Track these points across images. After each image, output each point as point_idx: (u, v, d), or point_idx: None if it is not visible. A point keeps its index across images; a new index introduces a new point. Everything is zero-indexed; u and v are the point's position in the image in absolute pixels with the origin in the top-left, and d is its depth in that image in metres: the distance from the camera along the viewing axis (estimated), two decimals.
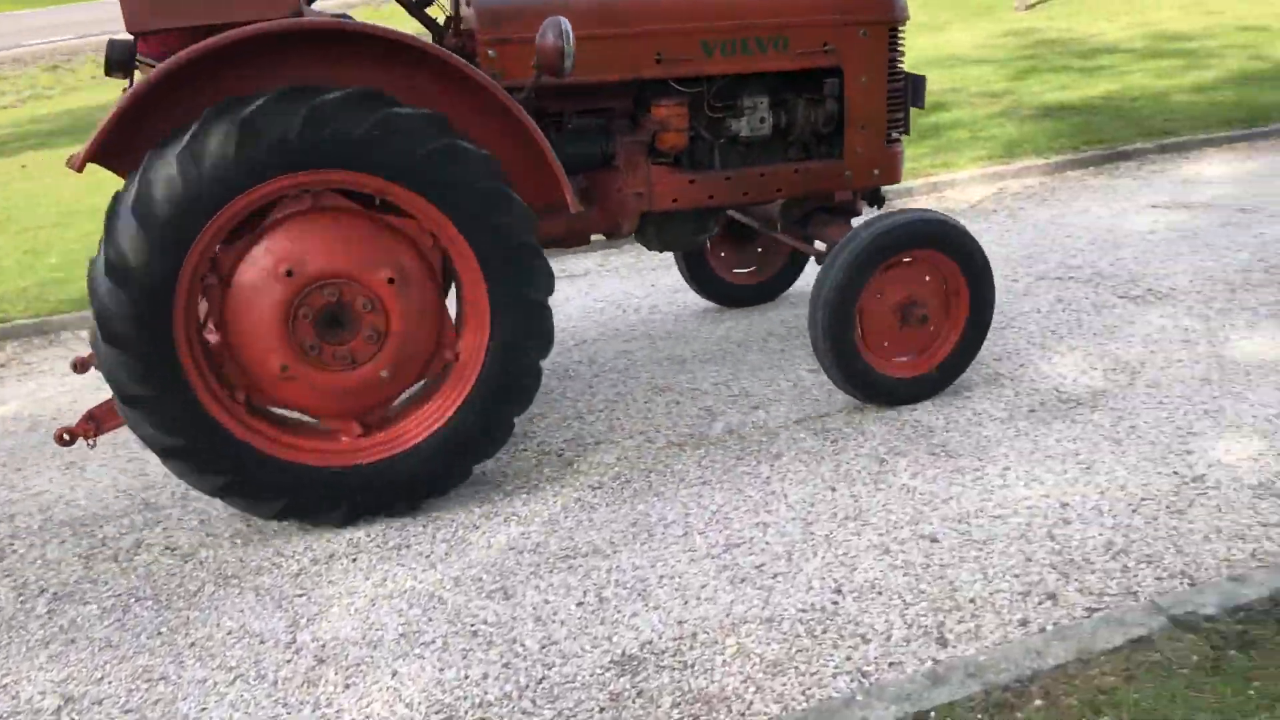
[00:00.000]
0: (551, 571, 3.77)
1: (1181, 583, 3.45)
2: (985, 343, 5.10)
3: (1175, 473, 4.12)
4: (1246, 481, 4.02)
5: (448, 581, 3.76)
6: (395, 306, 3.83)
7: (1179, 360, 5.12)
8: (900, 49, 4.77)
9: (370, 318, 3.82)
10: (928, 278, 4.64)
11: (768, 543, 3.84)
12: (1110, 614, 3.26)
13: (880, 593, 3.51)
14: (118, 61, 3.91)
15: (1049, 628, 3.26)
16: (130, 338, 3.50)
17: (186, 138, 3.43)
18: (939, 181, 8.50)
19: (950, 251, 4.59)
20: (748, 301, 6.17)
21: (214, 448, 3.70)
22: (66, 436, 3.88)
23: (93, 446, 4.09)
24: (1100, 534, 3.75)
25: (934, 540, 3.78)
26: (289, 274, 3.70)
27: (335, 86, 3.55)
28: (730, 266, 6.12)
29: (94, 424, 3.92)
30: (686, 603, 3.53)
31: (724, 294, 6.13)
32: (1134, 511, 3.87)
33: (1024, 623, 3.31)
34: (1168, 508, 3.89)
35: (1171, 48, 13.74)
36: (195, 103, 3.51)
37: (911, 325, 4.66)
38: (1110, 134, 9.52)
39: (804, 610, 3.45)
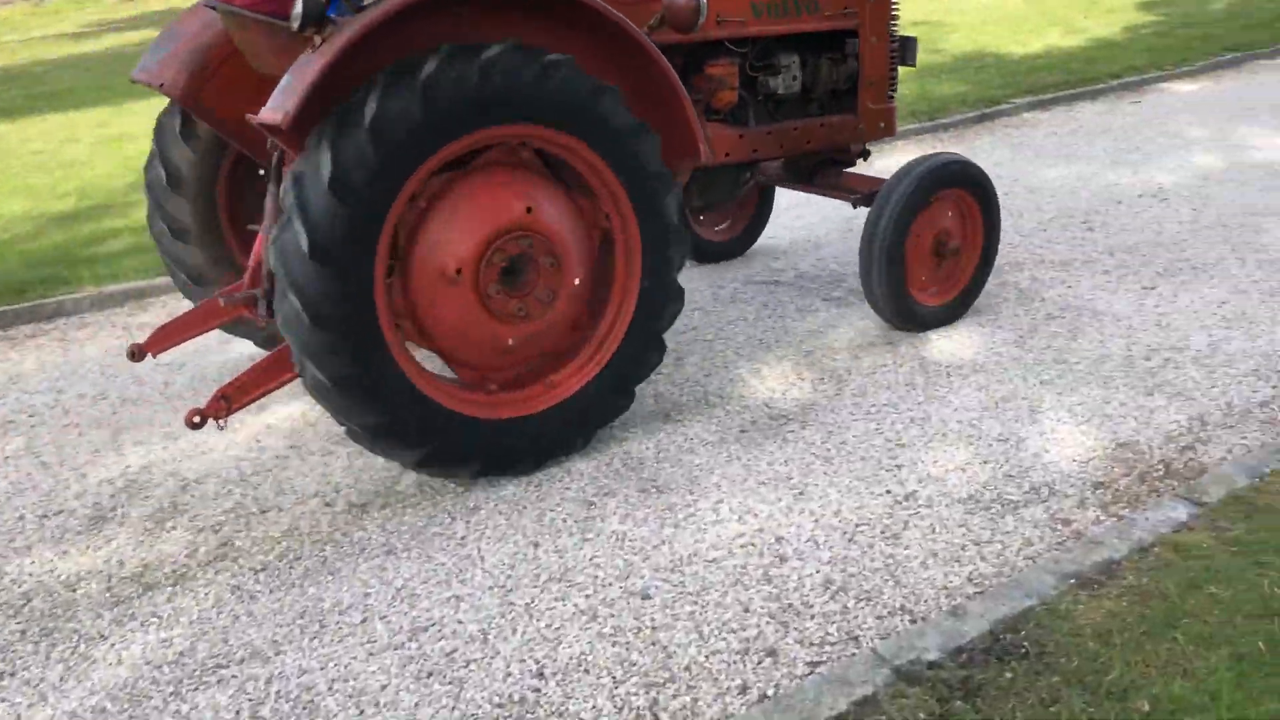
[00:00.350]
0: (196, 689, 3.12)
1: (902, 620, 3.22)
2: (695, 358, 4.90)
3: (888, 491, 3.93)
4: (956, 495, 3.89)
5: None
6: (571, 268, 3.99)
7: (884, 365, 5.01)
8: (896, 13, 5.27)
9: (548, 278, 3.96)
10: (951, 214, 5.19)
11: (460, 622, 3.34)
12: (833, 669, 2.98)
13: (587, 670, 3.08)
14: (313, 15, 3.48)
15: (770, 693, 2.93)
16: (338, 317, 3.48)
17: (373, 105, 3.39)
18: None
19: (971, 189, 5.19)
20: (722, 257, 6.52)
21: (421, 419, 3.76)
22: (197, 419, 3.74)
23: (222, 428, 3.97)
24: (817, 570, 3.49)
25: (646, 598, 3.39)
26: (522, 208, 3.84)
27: (489, 42, 3.58)
28: (712, 224, 6.49)
29: (225, 403, 3.84)
30: (363, 712, 2.97)
31: (703, 251, 6.45)
32: (850, 540, 3.64)
33: (744, 689, 2.97)
34: (883, 532, 3.68)
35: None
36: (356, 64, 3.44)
37: (944, 258, 5.24)
38: None
39: (500, 705, 2.97)
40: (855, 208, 5.47)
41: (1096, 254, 6.37)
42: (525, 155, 3.95)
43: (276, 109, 3.40)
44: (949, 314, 5.36)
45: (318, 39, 3.43)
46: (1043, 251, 6.47)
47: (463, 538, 3.81)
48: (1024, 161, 8.37)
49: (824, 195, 5.64)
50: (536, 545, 3.73)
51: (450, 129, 3.57)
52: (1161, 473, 4.00)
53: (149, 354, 4.39)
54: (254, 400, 3.94)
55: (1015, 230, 6.88)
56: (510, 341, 3.95)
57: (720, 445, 4.35)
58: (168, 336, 4.48)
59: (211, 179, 4.80)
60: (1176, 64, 11.89)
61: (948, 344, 5.20)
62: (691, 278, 6.33)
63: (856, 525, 3.74)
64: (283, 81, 3.44)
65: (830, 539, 3.66)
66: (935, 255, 5.21)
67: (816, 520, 3.78)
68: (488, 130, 3.66)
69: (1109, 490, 3.90)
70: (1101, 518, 3.73)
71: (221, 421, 3.85)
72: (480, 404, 4.00)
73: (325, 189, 3.38)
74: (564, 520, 3.87)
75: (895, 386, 4.79)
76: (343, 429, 3.83)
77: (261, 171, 4.72)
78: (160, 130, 4.76)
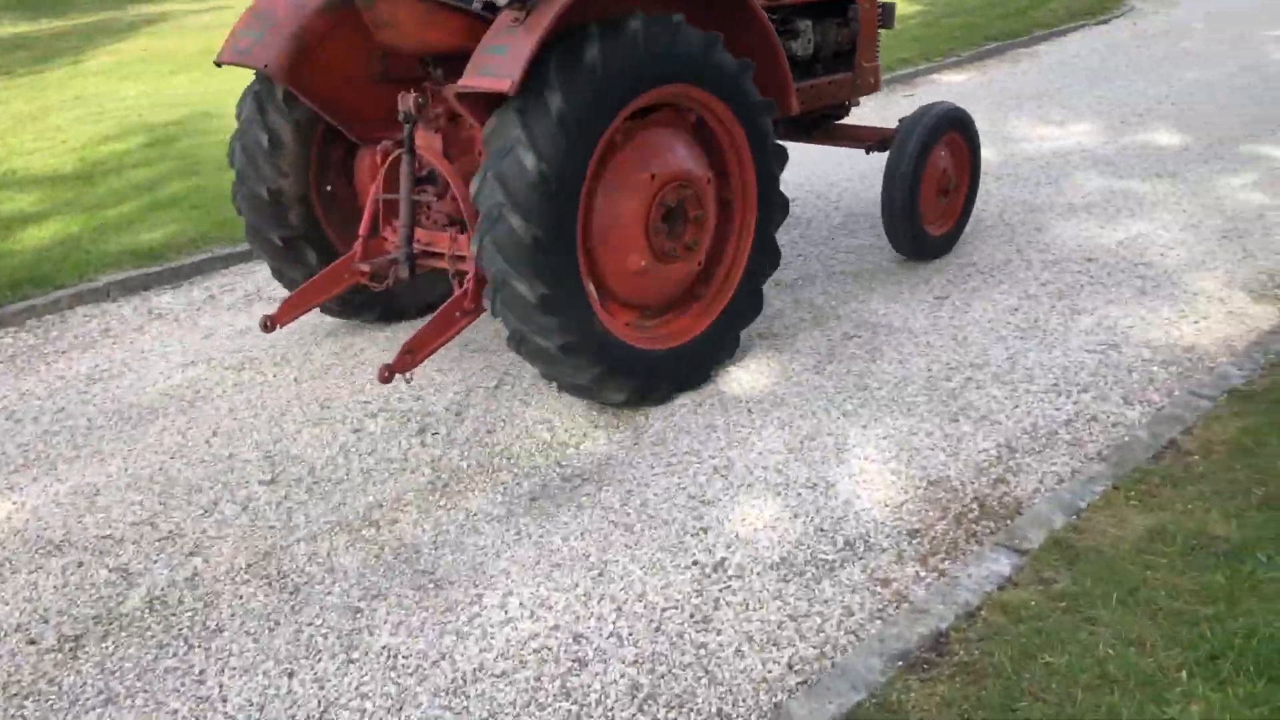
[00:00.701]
0: None
1: None
2: (477, 410, 4.49)
3: (695, 562, 3.54)
4: (768, 559, 3.54)
5: None
6: (708, 225, 4.58)
7: (682, 405, 4.64)
8: None
9: (694, 229, 4.52)
10: (944, 153, 5.90)
11: None
12: None
13: None
14: None
15: None
16: (551, 240, 3.91)
17: (594, 51, 3.88)
18: None
19: (964, 132, 6.00)
20: None
21: (599, 342, 4.19)
22: (388, 374, 3.98)
23: (409, 381, 4.32)
24: (622, 674, 3.05)
25: None
26: (652, 176, 4.30)
27: (648, 13, 4.06)
28: None
29: (410, 357, 4.11)
30: None
31: None
32: (657, 630, 3.23)
33: None
34: (692, 615, 3.29)
35: None
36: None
37: (946, 194, 6.00)
38: None
39: None
40: (869, 154, 6.22)
41: (886, 263, 6.21)
42: (689, 120, 4.54)
43: (501, 77, 3.78)
44: (948, 242, 6.18)
45: (521, 13, 3.82)
46: (834, 262, 6.26)
47: (201, 672, 3.18)
48: (812, 163, 8.21)
49: (829, 146, 6.28)
50: (291, 674, 3.15)
51: (646, 80, 4.13)
52: (976, 512, 3.77)
53: (279, 324, 4.68)
54: (434, 352, 4.30)
55: (805, 240, 6.66)
56: (661, 276, 4.50)
57: (508, 520, 3.86)
58: (295, 306, 4.77)
59: (306, 150, 5.00)
60: (945, 55, 12.12)
61: (746, 375, 4.87)
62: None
63: (663, 610, 3.33)
64: (486, 54, 3.85)
65: (635, 630, 3.23)
66: (939, 191, 5.96)
67: (619, 608, 3.34)
68: (662, 88, 4.22)
69: (925, 539, 3.63)
70: (921, 573, 3.45)
71: (409, 375, 4.20)
72: (637, 335, 4.52)
73: (555, 122, 3.85)
74: (325, 637, 3.30)
75: (695, 430, 4.42)
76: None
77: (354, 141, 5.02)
78: (258, 101, 4.94)
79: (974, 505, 3.82)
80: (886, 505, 3.83)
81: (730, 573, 3.49)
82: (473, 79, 3.89)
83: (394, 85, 4.63)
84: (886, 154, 5.87)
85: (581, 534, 3.75)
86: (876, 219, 6.89)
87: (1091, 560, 3.33)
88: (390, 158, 4.64)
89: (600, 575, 3.51)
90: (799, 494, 3.93)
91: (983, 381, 4.72)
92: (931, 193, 5.89)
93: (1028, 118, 9.39)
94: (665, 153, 4.39)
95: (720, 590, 3.40)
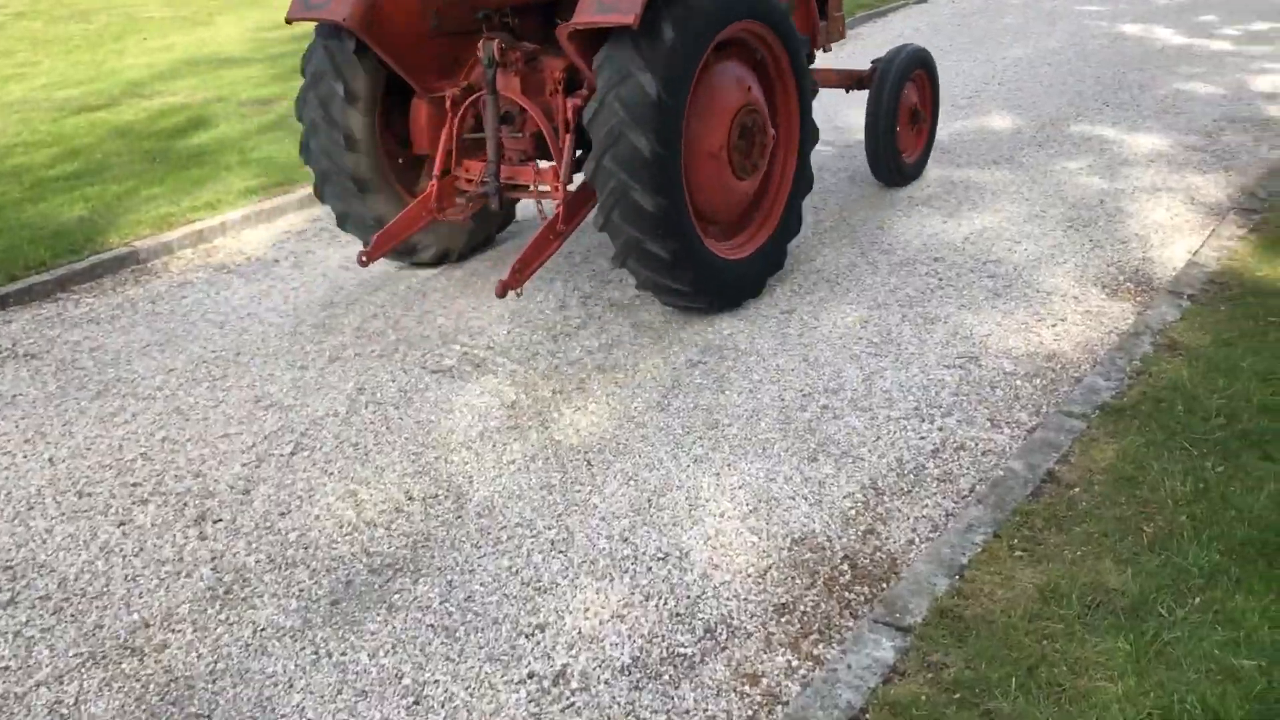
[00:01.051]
0: None
1: None
2: (268, 488, 3.82)
3: (531, 675, 2.98)
4: (616, 661, 3.00)
5: None
6: (768, 149, 5.18)
7: (512, 461, 4.06)
8: None
9: (759, 150, 5.09)
10: (912, 89, 6.57)
11: None
12: None
13: None
14: None
15: None
16: (667, 156, 4.44)
17: (686, 2, 4.43)
18: (206, 229, 6.77)
19: (927, 69, 6.72)
20: None
21: (693, 254, 4.72)
22: (503, 290, 4.57)
23: (519, 295, 5.04)
24: None
25: None
26: (733, 102, 4.86)
27: None
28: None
29: (519, 275, 4.70)
30: None
31: None
32: None
33: None
34: None
35: None
36: None
37: (915, 125, 6.72)
38: None
39: None
40: (848, 93, 6.93)
41: None
42: (758, 57, 5.10)
43: (624, 12, 4.23)
44: (917, 169, 6.93)
45: None
46: None
47: None
48: None
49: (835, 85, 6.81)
50: None
51: (730, 15, 4.67)
52: (848, 575, 3.32)
53: (372, 259, 5.15)
54: (538, 269, 4.88)
55: None
56: (736, 193, 5.04)
57: (303, 634, 3.21)
58: (387, 240, 5.22)
59: (373, 102, 5.30)
60: None
61: (584, 418, 4.32)
62: (271, 353, 5.07)
63: None
64: None
65: None
66: (910, 122, 6.71)
67: None
68: (739, 24, 4.78)
69: (795, 615, 3.16)
70: (794, 663, 2.97)
71: (518, 291, 4.75)
72: (718, 247, 4.99)
73: (667, 50, 4.34)
74: None
75: (528, 492, 3.84)
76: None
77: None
78: (330, 55, 5.19)
79: (845, 566, 3.37)
80: (749, 574, 3.34)
81: (573, 684, 2.93)
82: (591, 16, 4.36)
83: (447, 39, 5.22)
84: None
85: (393, 646, 3.13)
86: None
87: (983, 635, 2.91)
88: (468, 101, 5.19)
89: (416, 704, 2.90)
90: (649, 568, 3.40)
91: (839, 409, 4.29)
92: (905, 124, 6.67)
93: (860, 105, 9.11)
94: (738, 82, 4.97)
95: (562, 710, 2.84)
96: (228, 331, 5.36)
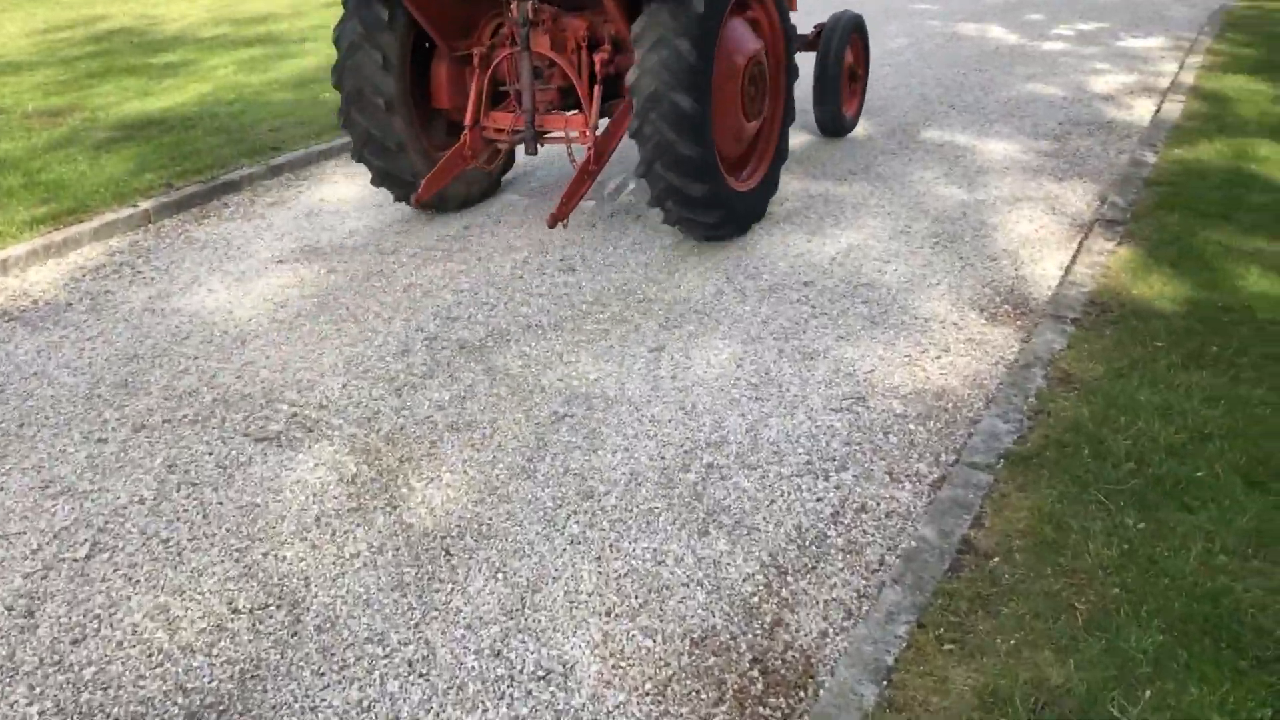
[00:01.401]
0: None
1: None
2: (66, 606, 3.01)
3: None
4: None
5: None
6: (767, 87, 5.89)
7: (356, 554, 3.47)
8: None
9: (761, 96, 5.80)
10: (849, 50, 7.31)
11: None
12: None
13: None
14: None
15: None
16: (702, 109, 5.09)
17: None
18: None
19: (861, 31, 7.51)
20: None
21: (718, 190, 5.39)
22: (552, 221, 5.45)
23: (565, 226, 5.89)
24: None
25: None
26: (743, 57, 5.52)
27: None
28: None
29: (564, 208, 5.47)
30: None
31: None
32: None
33: None
34: None
35: (259, 32, 12.26)
36: None
37: (853, 82, 7.53)
38: (209, 156, 7.63)
39: None
40: (798, 52, 6.73)
41: (586, 304, 5.27)
42: (754, 15, 5.79)
43: None
44: (854, 121, 7.71)
45: None
46: (527, 311, 5.24)
47: None
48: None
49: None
50: None
51: None
52: (760, 685, 2.89)
53: (422, 200, 5.95)
54: (579, 201, 5.64)
55: (489, 282, 5.59)
56: (746, 133, 5.69)
57: None
58: (434, 183, 5.94)
59: (404, 65, 5.80)
60: None
61: (439, 492, 3.77)
62: (63, 423, 4.30)
63: None
64: None
65: None
66: (850, 79, 7.49)
67: None
68: None
69: None
70: None
71: (565, 222, 5.67)
72: (734, 183, 5.63)
73: (697, 17, 5.05)
74: None
75: (377, 595, 3.27)
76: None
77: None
78: (364, 24, 5.68)
79: (755, 673, 2.93)
80: (646, 691, 2.87)
81: None
82: None
83: (467, 4, 5.78)
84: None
85: None
86: (564, 247, 5.93)
87: None
88: (501, 57, 5.76)
89: None
90: (529, 691, 2.88)
91: (726, 468, 3.86)
92: (846, 82, 7.44)
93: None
94: (746, 39, 5.60)
95: None
96: (8, 397, 4.57)
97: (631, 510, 3.65)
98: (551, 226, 5.50)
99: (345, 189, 7.24)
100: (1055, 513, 3.41)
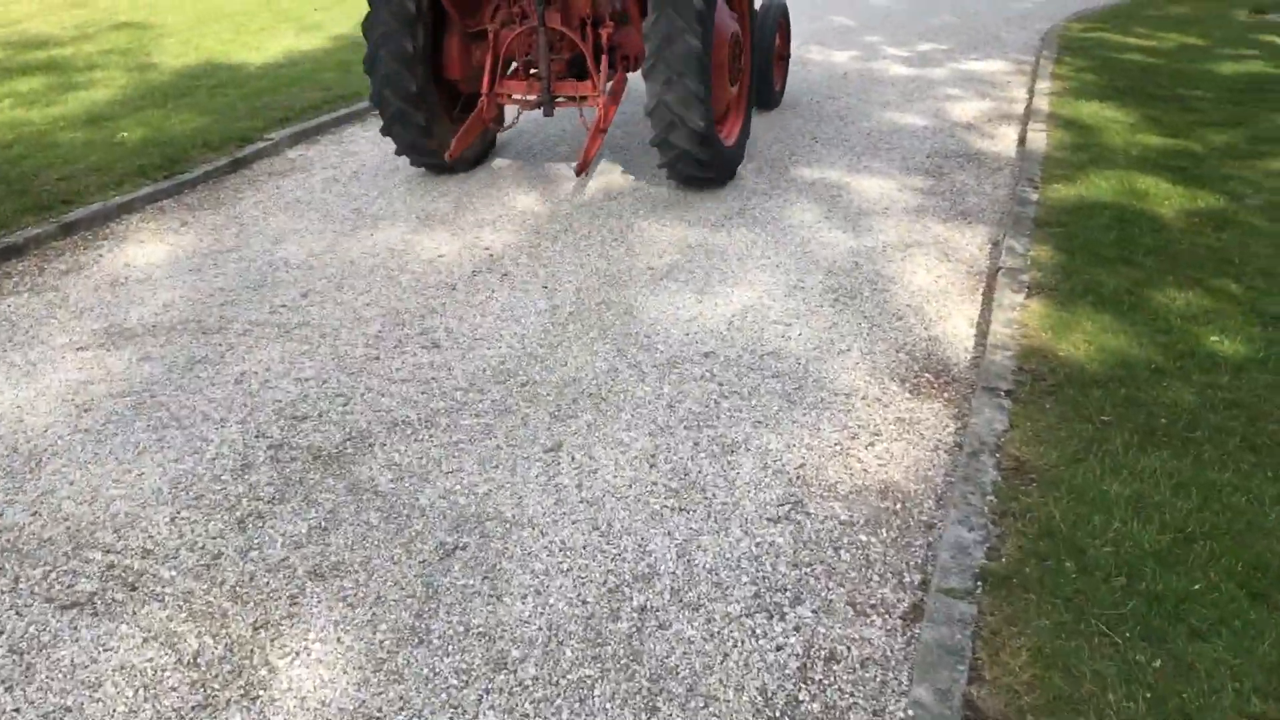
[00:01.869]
0: None
1: None
2: None
3: None
4: None
5: None
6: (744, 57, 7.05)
7: None
8: None
9: (740, 66, 6.91)
10: (776, 34, 8.41)
11: None
12: None
13: None
14: None
15: None
16: (705, 94, 6.05)
17: None
18: None
19: (786, 17, 8.67)
20: None
21: (707, 136, 6.27)
22: (579, 171, 6.71)
23: (589, 177, 7.04)
24: None
25: None
26: (727, 38, 6.55)
27: None
28: None
29: (583, 161, 6.66)
30: None
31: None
32: None
33: None
34: None
35: (39, 59, 10.88)
36: None
37: (782, 61, 8.73)
38: None
39: None
40: None
41: (460, 392, 4.54)
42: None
43: None
44: (780, 94, 8.78)
45: None
46: (389, 403, 4.47)
47: None
48: (314, 236, 6.27)
49: None
50: None
51: None
52: None
53: (454, 157, 6.92)
54: (594, 154, 6.72)
55: (339, 366, 4.78)
56: (728, 95, 6.79)
57: None
58: (460, 144, 6.92)
59: (427, 46, 6.62)
60: None
61: (308, 675, 3.01)
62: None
63: None
64: None
65: None
66: (779, 59, 8.52)
67: None
68: None
69: None
70: None
71: (589, 173, 7.07)
72: (721, 135, 6.73)
73: (697, 13, 5.94)
74: None
75: None
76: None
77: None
78: (395, 14, 6.44)
79: None
80: None
81: None
82: None
83: None
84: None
85: None
86: (420, 317, 5.17)
87: None
88: (518, 32, 6.61)
89: None
90: None
91: (662, 611, 3.23)
92: (777, 61, 8.48)
93: (567, 154, 8.10)
94: (729, 21, 6.65)
95: None
96: None
97: (557, 682, 2.96)
98: (579, 174, 6.79)
99: (155, 249, 6.24)
100: (1058, 653, 2.92)
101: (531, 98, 6.79)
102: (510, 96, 6.91)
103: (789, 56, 8.94)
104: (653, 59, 6.11)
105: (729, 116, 7.04)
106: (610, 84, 6.74)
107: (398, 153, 7.05)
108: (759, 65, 8.07)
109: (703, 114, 6.14)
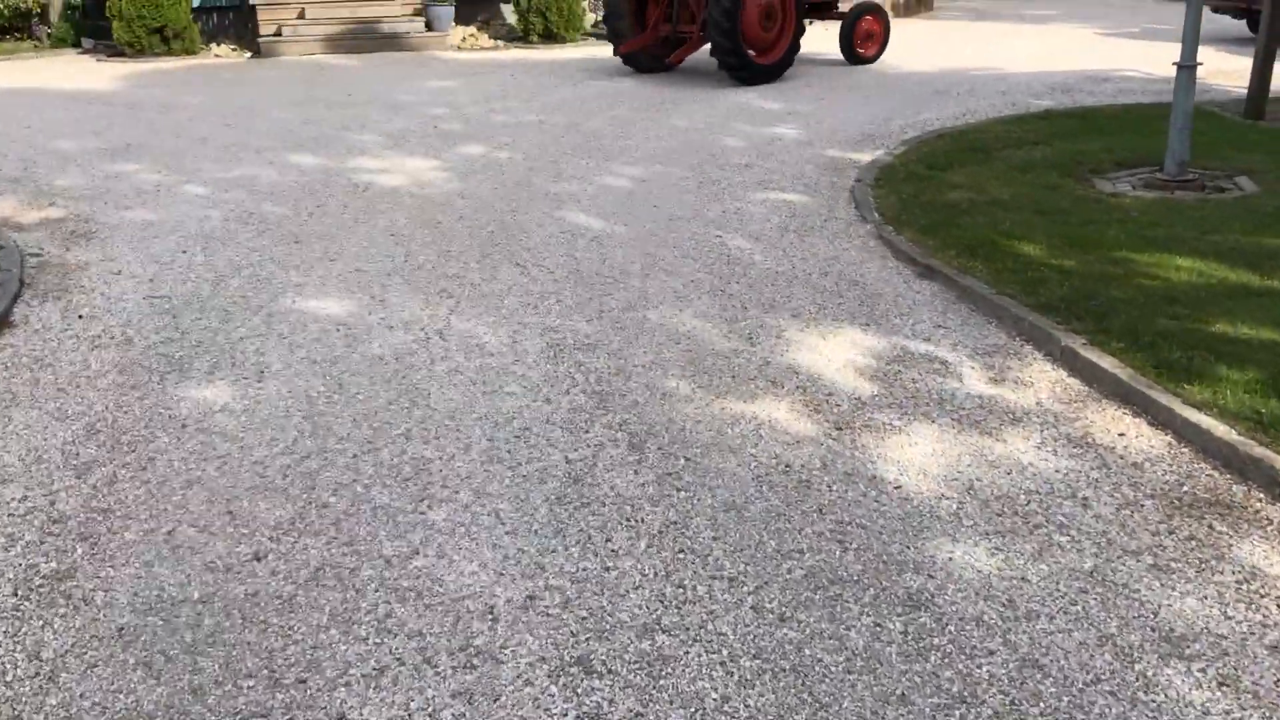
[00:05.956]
0: None
1: None
2: None
3: None
4: None
5: None
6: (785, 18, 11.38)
7: None
8: None
9: (775, 21, 11.21)
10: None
11: None
12: None
13: None
14: None
15: None
16: (732, 29, 10.60)
17: None
18: None
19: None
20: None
21: (749, 63, 11.03)
22: (675, 62, 11.81)
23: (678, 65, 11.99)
24: None
25: None
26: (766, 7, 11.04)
27: None
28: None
29: (677, 59, 11.84)
30: None
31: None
32: None
33: None
34: None
35: None
36: None
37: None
38: None
39: None
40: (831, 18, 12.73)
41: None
42: None
43: None
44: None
45: None
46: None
47: None
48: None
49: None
50: None
51: None
52: None
53: (632, 49, 11.74)
54: (686, 56, 11.68)
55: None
56: (764, 38, 11.05)
57: None
58: (631, 46, 11.73)
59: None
60: None
61: None
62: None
63: None
64: None
65: None
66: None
67: None
68: None
69: None
70: None
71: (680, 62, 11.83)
72: (761, 59, 11.04)
73: None
74: None
75: None
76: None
77: None
78: None
79: None
80: None
81: None
82: None
83: None
84: None
85: None
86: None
87: None
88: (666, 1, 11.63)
89: None
90: None
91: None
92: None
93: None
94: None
95: None
96: None
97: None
98: (675, 65, 11.77)
99: None
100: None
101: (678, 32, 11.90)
102: (663, 33, 11.93)
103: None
104: (708, 13, 10.88)
105: (770, 49, 11.22)
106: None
107: (614, 53, 11.99)
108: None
109: (733, 42, 10.66)
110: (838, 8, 12.57)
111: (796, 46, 11.22)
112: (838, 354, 4.35)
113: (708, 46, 11.03)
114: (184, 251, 5.72)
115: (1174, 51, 6.26)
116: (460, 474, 3.50)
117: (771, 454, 3.62)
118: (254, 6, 13.58)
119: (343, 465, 3.58)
